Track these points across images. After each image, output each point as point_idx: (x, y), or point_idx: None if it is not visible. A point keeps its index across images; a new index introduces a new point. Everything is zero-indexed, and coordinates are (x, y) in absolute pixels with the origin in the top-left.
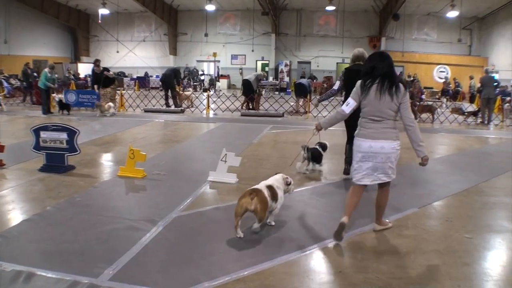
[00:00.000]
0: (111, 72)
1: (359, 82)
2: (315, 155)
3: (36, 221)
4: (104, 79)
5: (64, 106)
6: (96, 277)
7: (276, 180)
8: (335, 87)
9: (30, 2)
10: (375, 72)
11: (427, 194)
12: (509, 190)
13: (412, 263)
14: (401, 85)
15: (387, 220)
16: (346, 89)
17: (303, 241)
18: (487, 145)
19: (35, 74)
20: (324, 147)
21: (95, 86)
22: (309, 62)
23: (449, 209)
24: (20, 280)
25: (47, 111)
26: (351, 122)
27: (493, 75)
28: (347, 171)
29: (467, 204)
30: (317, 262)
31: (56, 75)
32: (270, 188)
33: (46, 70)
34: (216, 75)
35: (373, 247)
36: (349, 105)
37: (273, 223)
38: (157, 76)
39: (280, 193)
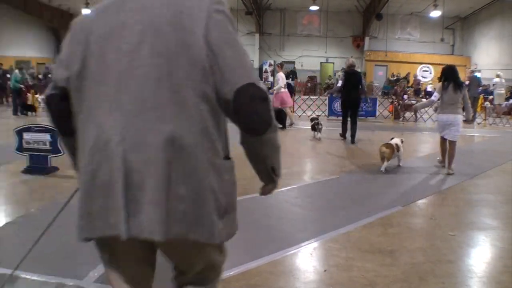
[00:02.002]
0: None
1: (440, 83)
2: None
3: (20, 224)
4: None
5: (28, 108)
6: (81, 279)
7: (397, 140)
8: (339, 84)
9: (13, 2)
10: (449, 78)
11: (411, 192)
12: (492, 188)
13: (397, 261)
14: (463, 84)
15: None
16: (345, 85)
17: (288, 241)
18: (470, 143)
19: (8, 75)
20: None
21: None
22: (293, 62)
23: (433, 207)
24: (4, 283)
25: (17, 111)
26: (345, 108)
27: (476, 74)
28: (343, 136)
29: (450, 202)
30: (302, 261)
31: (33, 73)
32: (396, 144)
33: (16, 71)
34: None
35: (358, 245)
36: (435, 97)
37: (401, 164)
38: None
39: (400, 148)
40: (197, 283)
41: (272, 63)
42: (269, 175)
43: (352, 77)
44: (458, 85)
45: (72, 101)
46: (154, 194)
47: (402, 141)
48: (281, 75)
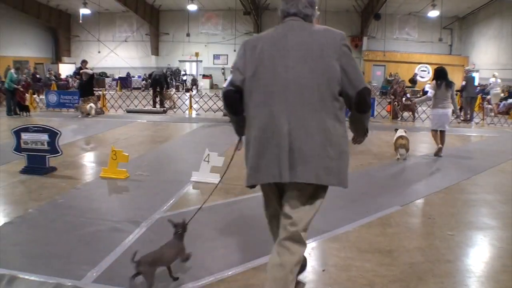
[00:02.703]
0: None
1: (434, 81)
2: None
3: (18, 224)
4: (85, 84)
5: (23, 108)
6: (80, 279)
7: (402, 131)
8: None
9: (10, 2)
10: (441, 78)
11: (409, 192)
12: (490, 188)
13: (395, 260)
14: (452, 83)
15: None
16: None
17: None
18: (469, 143)
19: None
20: None
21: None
22: None
23: (431, 207)
24: (2, 284)
25: (11, 112)
26: None
27: (472, 74)
28: None
29: (449, 202)
30: None
31: (23, 76)
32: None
33: (12, 71)
34: None
35: (356, 245)
36: (431, 93)
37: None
38: (139, 77)
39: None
40: (295, 240)
41: None
42: (363, 132)
43: None
44: (449, 83)
45: (245, 94)
46: (309, 155)
47: (405, 131)
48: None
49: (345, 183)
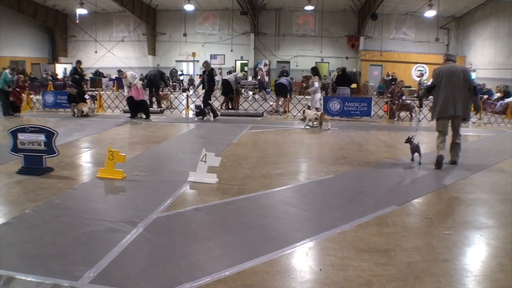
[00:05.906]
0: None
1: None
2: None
3: (15, 225)
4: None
5: (14, 108)
6: (77, 280)
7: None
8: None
9: (7, 2)
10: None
11: (406, 191)
12: (486, 187)
13: (393, 260)
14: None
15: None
16: (338, 85)
17: (283, 240)
18: (465, 143)
19: None
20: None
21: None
22: (288, 62)
23: (428, 206)
24: None
25: (7, 112)
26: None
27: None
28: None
29: (445, 201)
30: (298, 260)
31: (16, 77)
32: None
33: (7, 71)
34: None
35: (353, 245)
36: (317, 85)
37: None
38: None
39: None
40: (458, 136)
41: (267, 63)
42: (478, 107)
43: (343, 78)
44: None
45: (436, 87)
46: (460, 105)
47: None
48: (130, 75)
49: (468, 118)
